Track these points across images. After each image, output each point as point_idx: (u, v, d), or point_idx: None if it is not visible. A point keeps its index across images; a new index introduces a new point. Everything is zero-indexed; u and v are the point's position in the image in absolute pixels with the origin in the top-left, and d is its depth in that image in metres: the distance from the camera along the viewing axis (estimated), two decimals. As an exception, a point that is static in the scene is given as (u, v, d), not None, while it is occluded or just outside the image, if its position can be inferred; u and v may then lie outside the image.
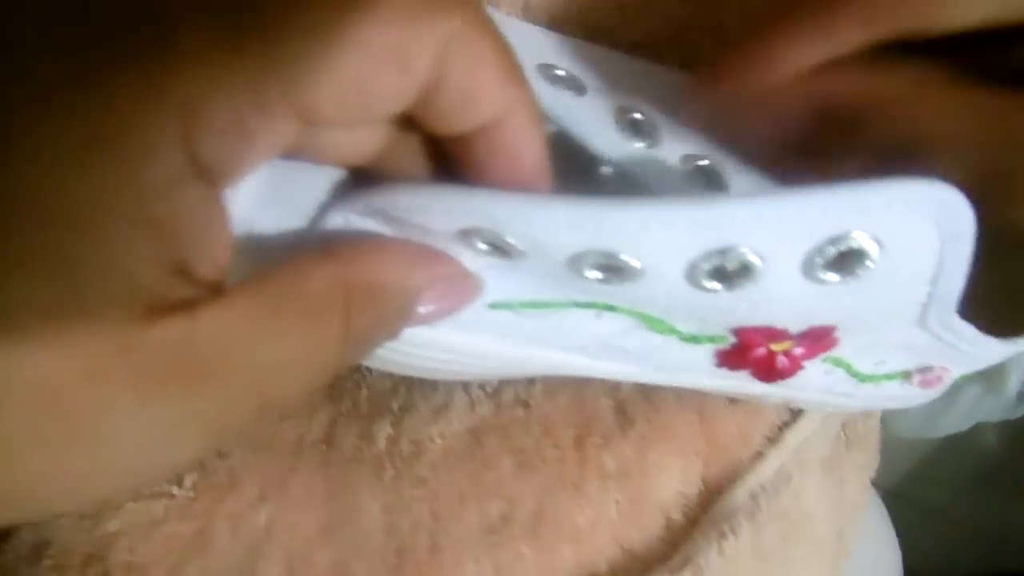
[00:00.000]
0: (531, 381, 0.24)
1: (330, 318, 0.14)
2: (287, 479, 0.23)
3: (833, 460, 0.26)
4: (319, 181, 0.17)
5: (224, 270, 0.13)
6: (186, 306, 0.12)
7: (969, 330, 0.19)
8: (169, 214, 0.12)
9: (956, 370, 0.22)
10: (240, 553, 0.22)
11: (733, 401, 0.24)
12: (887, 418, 0.56)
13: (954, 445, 0.59)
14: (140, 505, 0.23)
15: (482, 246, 0.16)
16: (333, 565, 0.22)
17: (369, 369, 0.25)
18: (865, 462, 0.28)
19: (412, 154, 0.16)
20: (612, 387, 0.24)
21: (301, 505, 0.23)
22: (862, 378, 0.21)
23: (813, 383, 0.21)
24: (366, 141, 0.16)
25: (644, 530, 0.23)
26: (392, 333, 0.16)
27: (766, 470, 0.24)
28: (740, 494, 0.23)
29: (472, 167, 0.15)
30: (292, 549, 0.22)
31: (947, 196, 0.14)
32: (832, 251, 0.15)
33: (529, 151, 0.15)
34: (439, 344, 0.18)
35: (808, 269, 0.15)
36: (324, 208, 0.16)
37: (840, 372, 0.21)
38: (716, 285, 0.15)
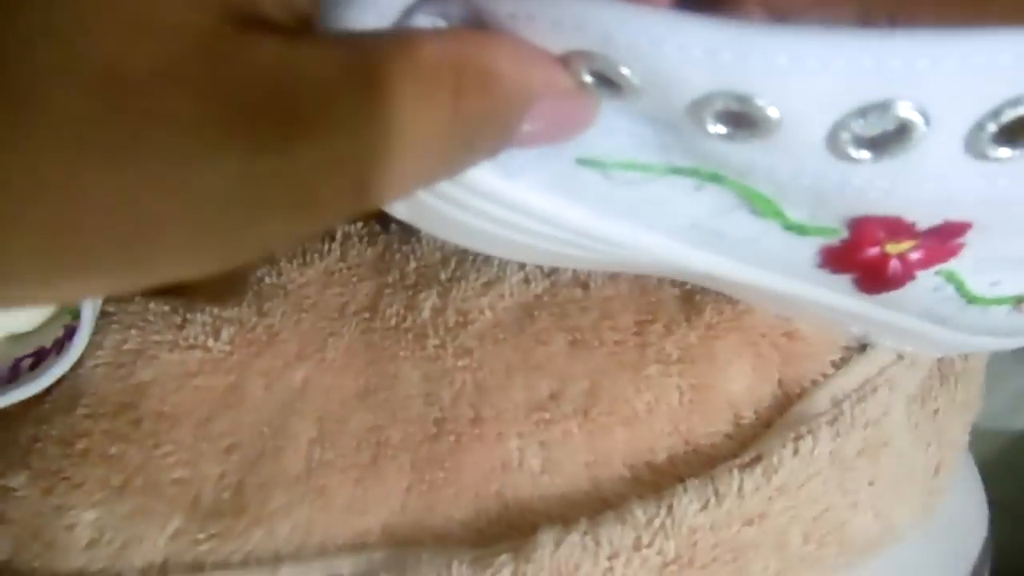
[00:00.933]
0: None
1: (439, 93, 0.12)
2: (327, 342, 0.22)
3: (926, 393, 0.23)
4: None
5: (313, 5, 0.11)
6: (285, 31, 0.10)
7: None
8: None
9: None
10: (272, 409, 0.21)
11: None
12: None
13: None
14: (175, 356, 0.22)
15: (588, 78, 0.13)
16: (368, 429, 0.21)
17: (417, 239, 0.23)
18: (965, 400, 0.24)
19: None
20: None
21: (339, 368, 0.21)
22: (971, 299, 0.18)
23: (917, 301, 0.18)
24: None
25: (710, 423, 0.21)
26: (497, 140, 0.14)
27: (851, 378, 0.21)
28: (821, 398, 0.21)
29: None
30: (326, 410, 0.21)
31: None
32: (1010, 115, 0.12)
33: None
34: (516, 200, 0.16)
35: (973, 140, 0.12)
36: (412, 9, 0.14)
37: (950, 290, 0.18)
38: (864, 153, 0.13)
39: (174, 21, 0.09)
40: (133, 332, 0.22)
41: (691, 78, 0.12)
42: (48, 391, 0.23)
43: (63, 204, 0.09)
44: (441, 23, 0.13)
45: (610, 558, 0.18)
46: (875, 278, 0.17)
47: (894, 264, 0.17)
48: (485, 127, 0.13)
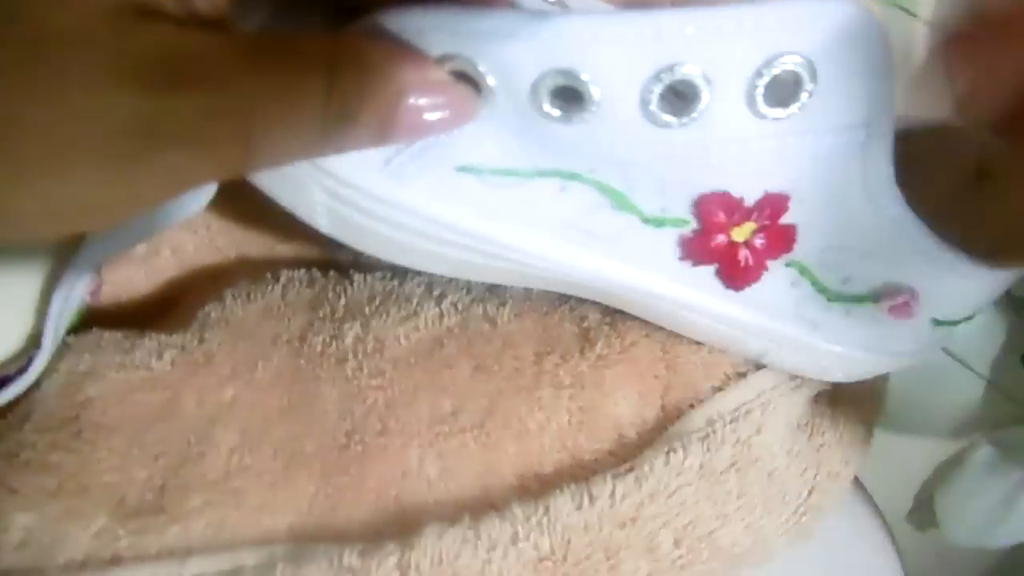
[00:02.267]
0: (501, 303, 0.25)
1: (315, 73, 0.15)
2: (257, 364, 0.24)
3: (812, 425, 0.26)
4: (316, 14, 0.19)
5: (220, 12, 0.14)
6: (177, 21, 0.13)
7: (916, 219, 0.19)
8: None
9: (928, 296, 0.22)
10: (201, 420, 0.23)
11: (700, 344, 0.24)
12: (944, 526, 0.52)
13: (1018, 557, 0.54)
14: (121, 375, 0.24)
15: None
16: (286, 440, 0.23)
17: (351, 282, 0.26)
18: (851, 442, 0.27)
19: None
20: (579, 317, 0.25)
21: (266, 387, 0.24)
22: (830, 296, 0.21)
23: (780, 298, 0.21)
24: None
25: (595, 441, 0.23)
26: (379, 119, 0.16)
27: (727, 402, 0.24)
28: (696, 418, 0.23)
29: None
30: (250, 422, 0.23)
31: (863, 20, 0.16)
32: (769, 75, 0.16)
33: None
34: (409, 204, 0.19)
35: (751, 99, 0.16)
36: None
37: (806, 285, 0.21)
38: (668, 116, 0.17)
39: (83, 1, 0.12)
40: (86, 356, 0.25)
41: (524, 60, 0.16)
42: (4, 414, 0.25)
43: (2, 129, 0.12)
44: None
45: (488, 550, 0.20)
46: (732, 268, 0.20)
47: (743, 253, 0.20)
48: (361, 107, 0.16)
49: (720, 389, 0.24)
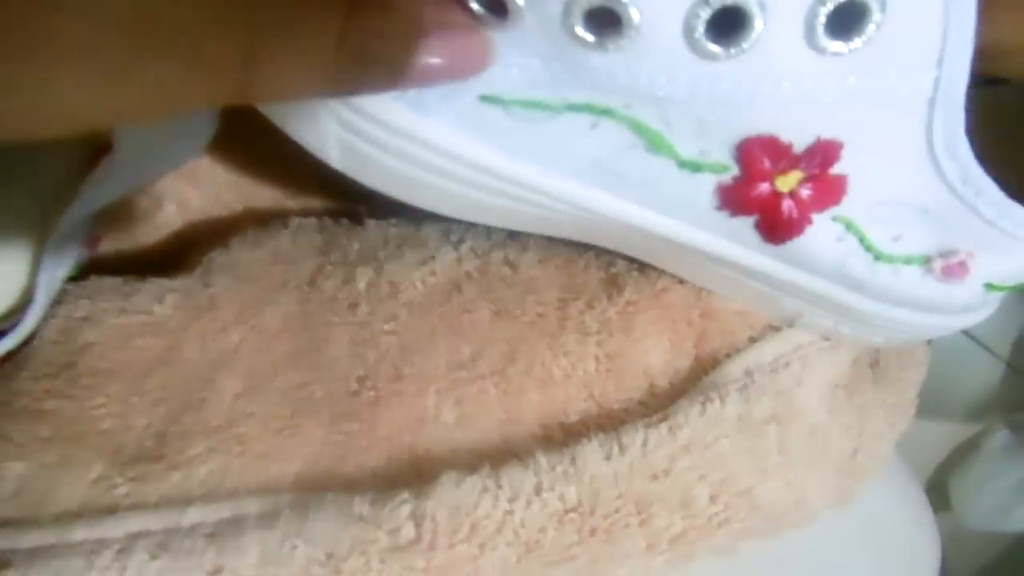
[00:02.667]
0: (523, 248, 0.24)
1: (333, 3, 0.13)
2: (264, 309, 0.23)
3: (852, 385, 0.24)
4: None
5: None
6: None
7: (987, 182, 0.17)
8: None
9: (985, 259, 0.20)
10: (204, 366, 0.22)
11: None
12: (958, 509, 0.51)
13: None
14: (120, 320, 0.23)
15: (479, 8, 0.15)
16: (293, 386, 0.21)
17: (365, 227, 0.25)
18: (895, 404, 0.25)
19: None
20: (606, 263, 0.24)
21: (273, 332, 0.22)
22: (877, 255, 0.19)
23: (825, 254, 0.19)
24: None
25: (624, 390, 0.21)
26: (394, 63, 0.15)
27: (764, 352, 0.22)
28: (734, 369, 0.22)
29: None
30: (255, 368, 0.22)
31: None
32: (833, 2, 0.14)
33: None
34: (428, 137, 0.17)
35: (810, 32, 0.14)
36: None
37: (853, 242, 0.19)
38: (715, 47, 0.15)
39: None
40: (84, 302, 0.24)
41: None
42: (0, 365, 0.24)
43: None
44: None
45: (510, 500, 0.18)
46: (773, 220, 0.18)
47: (787, 204, 0.18)
48: (378, 49, 0.14)
49: (756, 340, 0.22)
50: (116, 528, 0.19)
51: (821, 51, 0.15)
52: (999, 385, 0.50)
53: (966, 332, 0.47)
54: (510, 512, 0.18)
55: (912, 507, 0.27)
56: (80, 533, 0.19)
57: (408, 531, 0.18)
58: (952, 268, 0.20)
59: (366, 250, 0.24)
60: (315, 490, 0.19)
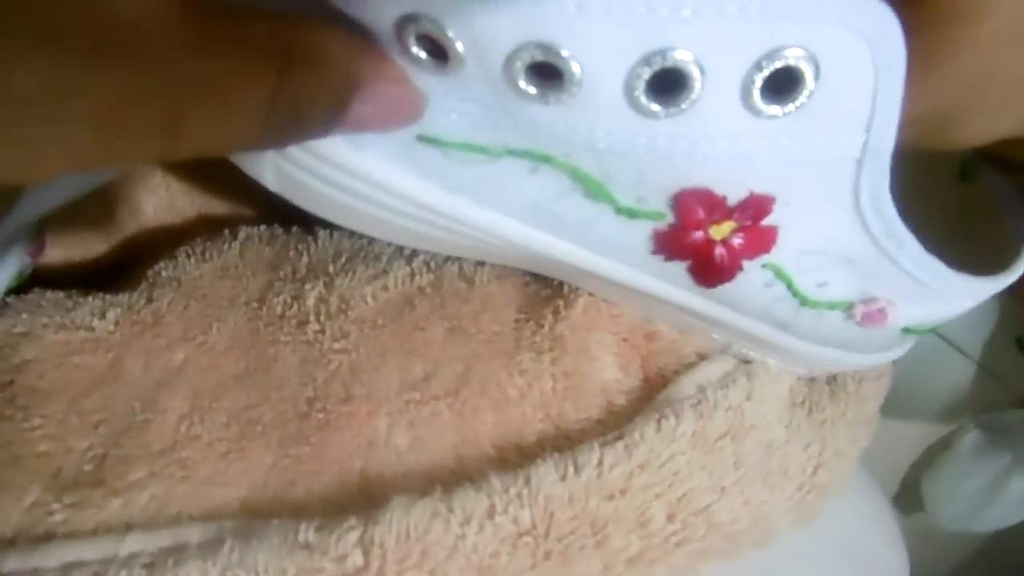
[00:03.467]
0: (479, 262, 0.23)
1: (265, 66, 0.13)
2: (212, 326, 0.22)
3: (814, 403, 0.24)
4: None
5: None
6: None
7: (908, 237, 0.18)
8: None
9: (903, 307, 0.20)
10: (147, 386, 0.21)
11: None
12: (930, 509, 0.51)
13: (1002, 541, 0.53)
14: (59, 336, 0.22)
15: (418, 51, 0.15)
16: (240, 408, 0.21)
17: (314, 240, 0.24)
18: (855, 419, 0.25)
19: None
20: (559, 282, 0.23)
21: (220, 351, 0.22)
22: (803, 300, 0.20)
23: (753, 297, 0.20)
24: None
25: (581, 408, 0.21)
26: (324, 118, 0.15)
27: (712, 370, 0.22)
28: (687, 385, 0.21)
29: None
30: (201, 388, 0.21)
31: (881, 15, 0.14)
32: (769, 68, 0.14)
33: None
34: (364, 171, 0.17)
35: (746, 93, 0.14)
36: None
37: (780, 288, 0.19)
38: (655, 106, 0.15)
39: None
40: (24, 316, 0.23)
41: (499, 28, 0.14)
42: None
43: None
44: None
45: (462, 524, 0.18)
46: (706, 266, 0.18)
47: (719, 251, 0.18)
48: (311, 103, 0.14)
49: (704, 356, 0.22)
50: (50, 557, 0.18)
51: (757, 113, 0.15)
52: (971, 386, 0.51)
53: (938, 333, 0.48)
54: (462, 537, 0.18)
55: (879, 522, 0.27)
56: (12, 563, 0.18)
57: (356, 558, 0.17)
58: (872, 315, 0.20)
59: (316, 264, 0.23)
60: (261, 516, 0.19)
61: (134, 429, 0.20)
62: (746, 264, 0.18)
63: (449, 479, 0.19)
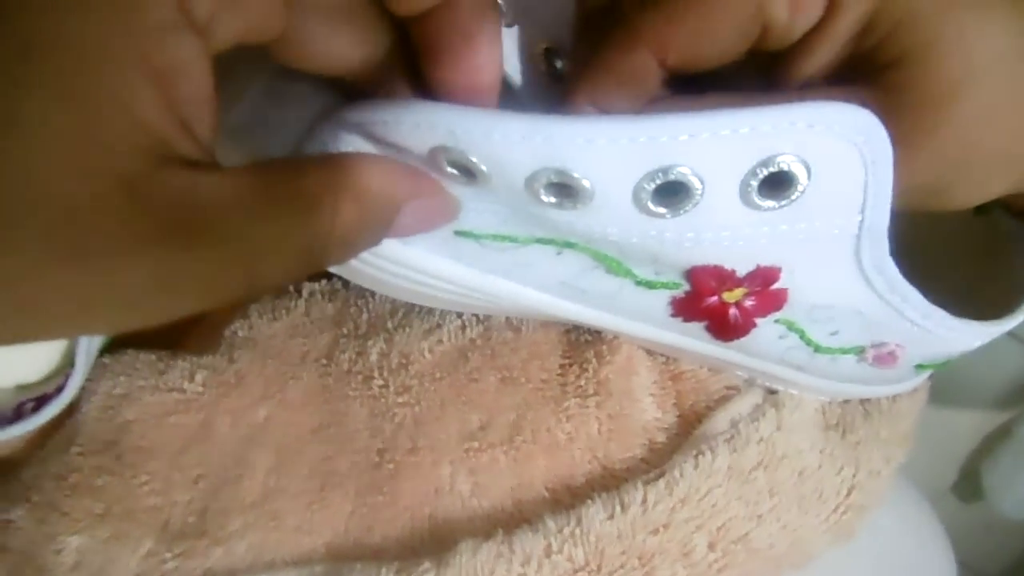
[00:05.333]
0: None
1: (319, 214, 0.15)
2: (288, 384, 0.25)
3: (847, 425, 0.25)
4: (308, 105, 0.19)
5: (215, 138, 0.14)
6: (191, 164, 0.13)
7: (912, 292, 0.19)
8: (166, 62, 0.13)
9: (913, 350, 0.22)
10: (236, 442, 0.24)
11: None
12: (990, 498, 0.51)
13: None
14: (155, 397, 0.25)
15: (450, 169, 0.17)
16: (319, 460, 0.23)
17: (372, 295, 0.27)
18: (888, 437, 0.26)
19: (392, 75, 0.18)
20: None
21: (297, 407, 0.24)
22: (816, 348, 0.21)
23: (768, 347, 0.21)
24: (347, 46, 0.17)
25: (626, 449, 0.23)
26: (374, 238, 0.17)
27: (743, 404, 0.24)
28: (721, 420, 0.23)
29: (434, 51, 0.17)
30: (284, 443, 0.24)
31: (866, 120, 0.15)
32: (764, 172, 0.16)
33: (481, 24, 0.16)
34: (410, 262, 0.20)
35: (745, 194, 0.16)
36: (313, 124, 0.18)
37: (794, 339, 0.21)
38: (661, 209, 0.16)
39: (102, 164, 0.12)
40: (122, 379, 0.25)
41: (518, 159, 0.16)
42: (49, 435, 0.26)
43: (33, 292, 0.12)
44: (342, 133, 0.17)
45: (523, 564, 0.20)
46: (721, 325, 0.20)
47: (733, 312, 0.20)
48: (360, 234, 0.16)
49: (734, 388, 0.24)
50: (169, 602, 0.21)
51: (755, 208, 0.16)
52: (1029, 373, 0.51)
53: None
54: (523, 575, 0.20)
55: (922, 528, 0.29)
56: (135, 609, 0.21)
57: (432, 599, 0.20)
58: (883, 357, 0.22)
59: (375, 320, 0.26)
60: (345, 560, 0.21)
61: (229, 483, 0.23)
62: (759, 321, 0.20)
63: (508, 521, 0.22)
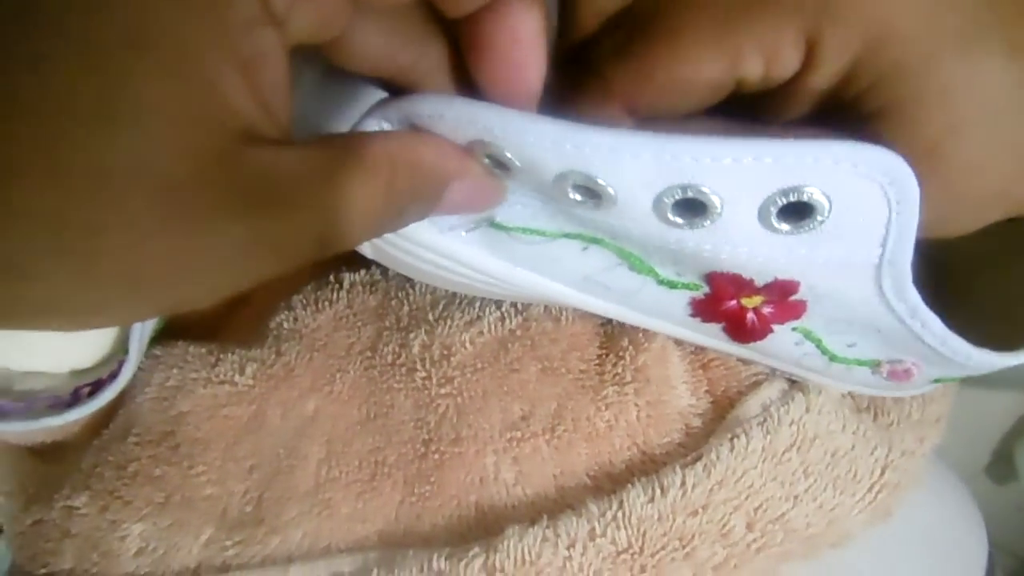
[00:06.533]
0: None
1: (378, 178, 0.16)
2: (335, 376, 0.25)
3: (878, 408, 0.26)
4: (357, 102, 0.20)
5: (290, 120, 0.15)
6: (273, 142, 0.14)
7: (931, 317, 0.19)
8: (251, 53, 0.14)
9: (930, 370, 0.22)
10: (287, 434, 0.25)
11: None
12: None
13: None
14: (208, 390, 0.26)
15: (487, 161, 0.18)
16: (368, 451, 0.24)
17: (412, 287, 0.27)
18: (920, 420, 0.27)
19: (437, 71, 0.18)
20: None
21: (345, 399, 0.25)
22: (832, 357, 0.22)
23: (784, 352, 0.22)
24: (399, 46, 0.18)
25: (664, 434, 0.24)
26: (424, 209, 0.18)
27: (773, 388, 0.24)
28: (753, 405, 0.24)
29: (480, 51, 0.17)
30: (333, 434, 0.24)
31: (892, 162, 0.15)
32: (784, 201, 0.16)
33: (528, 26, 0.17)
34: (447, 251, 0.21)
35: (764, 216, 0.16)
36: (361, 118, 0.19)
37: (810, 347, 0.21)
38: (679, 220, 0.17)
39: (200, 143, 0.13)
40: (175, 371, 0.27)
41: (548, 160, 0.16)
42: (106, 424, 0.27)
43: (142, 264, 0.13)
44: (385, 124, 0.18)
45: (568, 547, 0.21)
46: (739, 329, 0.21)
47: (751, 317, 0.20)
48: (412, 200, 0.17)
49: (763, 374, 0.24)
50: (231, 587, 0.22)
51: (775, 231, 0.17)
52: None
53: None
54: (569, 558, 0.21)
55: (958, 508, 0.29)
56: (200, 592, 0.22)
57: (482, 581, 0.21)
58: (898, 373, 0.22)
59: (416, 313, 0.26)
60: (398, 547, 0.22)
61: (282, 473, 0.24)
62: (777, 328, 0.21)
63: (553, 508, 0.22)
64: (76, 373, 0.26)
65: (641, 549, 0.21)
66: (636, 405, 0.24)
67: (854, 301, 0.19)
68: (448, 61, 0.18)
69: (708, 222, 0.16)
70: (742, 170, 0.15)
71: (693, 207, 0.16)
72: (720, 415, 0.24)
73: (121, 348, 0.27)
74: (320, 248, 0.15)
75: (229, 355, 0.27)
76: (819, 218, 0.16)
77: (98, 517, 0.25)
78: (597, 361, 0.25)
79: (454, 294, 0.27)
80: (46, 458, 0.28)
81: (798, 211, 0.16)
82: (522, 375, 0.24)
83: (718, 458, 0.22)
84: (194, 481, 0.24)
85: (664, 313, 0.21)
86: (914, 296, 0.18)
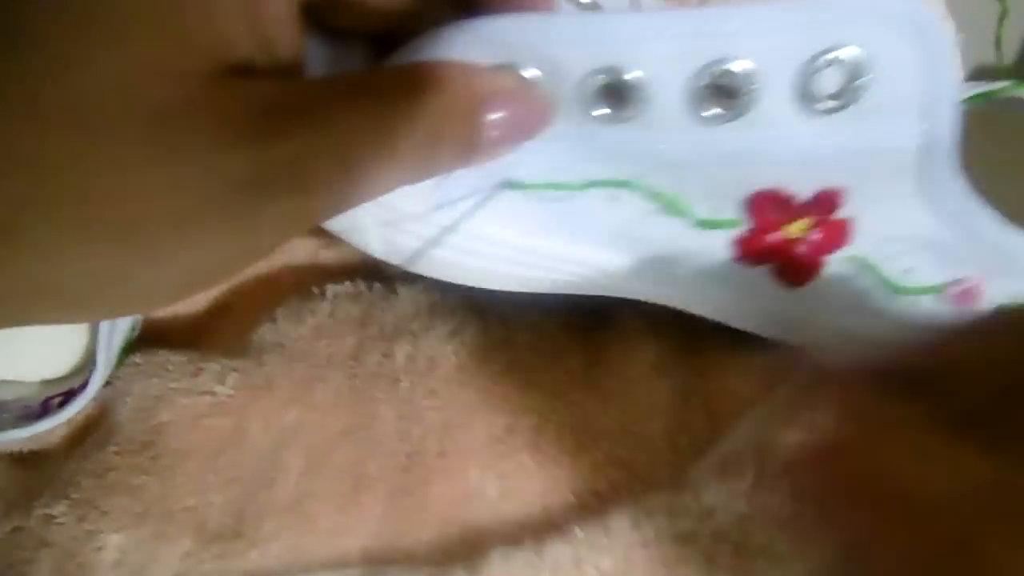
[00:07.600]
0: (547, 312, 0.25)
1: (399, 99, 0.15)
2: (315, 386, 0.25)
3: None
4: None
5: (300, 56, 0.15)
6: (272, 74, 0.14)
7: (983, 208, 0.18)
8: None
9: (994, 284, 0.21)
10: (268, 445, 0.24)
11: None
12: None
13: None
14: (189, 400, 0.25)
15: None
16: (350, 463, 0.24)
17: (397, 297, 0.27)
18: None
19: (438, 14, 0.17)
20: (622, 323, 0.25)
21: (326, 409, 0.25)
22: (894, 288, 0.21)
23: (842, 294, 0.21)
24: None
25: (650, 452, 0.23)
26: (463, 137, 0.16)
27: (767, 408, 0.24)
28: (744, 426, 0.23)
29: None
30: (314, 446, 0.24)
31: (923, 16, 0.15)
32: (822, 67, 0.15)
33: None
34: (464, 226, 0.20)
35: (802, 94, 0.16)
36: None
37: (869, 278, 0.20)
38: (716, 109, 0.16)
39: (185, 66, 0.12)
40: (155, 380, 0.26)
41: (569, 59, 0.16)
42: (88, 432, 0.26)
43: (126, 203, 0.12)
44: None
45: (552, 572, 0.21)
46: (787, 265, 0.20)
47: (800, 248, 0.19)
48: (444, 123, 0.16)
49: (753, 396, 0.24)
50: (209, 602, 0.22)
51: (814, 112, 0.16)
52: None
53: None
54: (553, 583, 0.21)
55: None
56: (177, 607, 0.22)
57: (464, 604, 0.20)
58: (964, 295, 0.21)
59: (400, 322, 0.26)
60: (380, 563, 0.22)
61: (262, 486, 0.24)
62: (828, 259, 0.19)
63: (538, 526, 0.22)
64: (47, 383, 0.26)
65: (625, 575, 0.21)
66: (621, 420, 0.23)
67: (902, 208, 0.18)
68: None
69: (744, 109, 0.16)
70: (775, 32, 0.15)
71: (728, 94, 0.16)
72: (710, 435, 0.23)
73: (91, 357, 0.27)
74: (350, 179, 0.14)
75: (210, 364, 0.26)
76: (860, 83, 0.15)
77: (76, 526, 0.24)
78: (582, 376, 0.24)
79: (434, 303, 0.26)
80: (27, 465, 0.27)
81: (835, 84, 0.16)
82: (504, 388, 0.24)
83: (707, 484, 0.22)
84: (174, 492, 0.24)
85: (706, 271, 0.20)
86: (961, 185, 0.17)
